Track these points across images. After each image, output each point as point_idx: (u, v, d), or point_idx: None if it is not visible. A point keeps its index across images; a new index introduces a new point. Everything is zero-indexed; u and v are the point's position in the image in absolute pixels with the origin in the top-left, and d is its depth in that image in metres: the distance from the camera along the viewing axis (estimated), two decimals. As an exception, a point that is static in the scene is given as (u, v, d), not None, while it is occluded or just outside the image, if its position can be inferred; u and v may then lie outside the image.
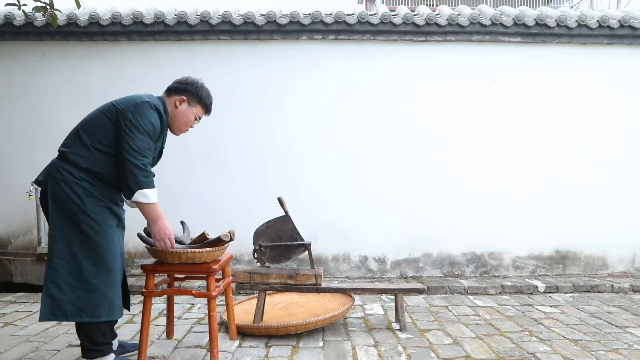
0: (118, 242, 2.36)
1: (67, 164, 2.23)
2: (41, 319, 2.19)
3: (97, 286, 2.22)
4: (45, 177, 2.26)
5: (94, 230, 2.22)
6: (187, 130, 2.58)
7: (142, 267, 2.53)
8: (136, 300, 3.87)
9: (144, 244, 2.51)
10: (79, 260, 2.20)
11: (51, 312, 2.19)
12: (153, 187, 2.26)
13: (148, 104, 2.31)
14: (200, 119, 2.58)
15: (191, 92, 2.49)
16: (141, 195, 2.21)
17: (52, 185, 2.22)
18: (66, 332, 3.06)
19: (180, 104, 2.48)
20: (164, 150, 2.58)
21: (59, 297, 2.19)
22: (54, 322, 3.27)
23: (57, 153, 2.31)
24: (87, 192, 2.23)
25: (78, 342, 2.83)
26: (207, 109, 2.59)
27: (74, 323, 3.23)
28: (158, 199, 2.30)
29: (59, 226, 2.22)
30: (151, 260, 2.59)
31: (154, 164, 2.53)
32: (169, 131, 2.57)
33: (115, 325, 3.13)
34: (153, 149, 2.32)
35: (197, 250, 2.46)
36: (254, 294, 3.78)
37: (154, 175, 2.55)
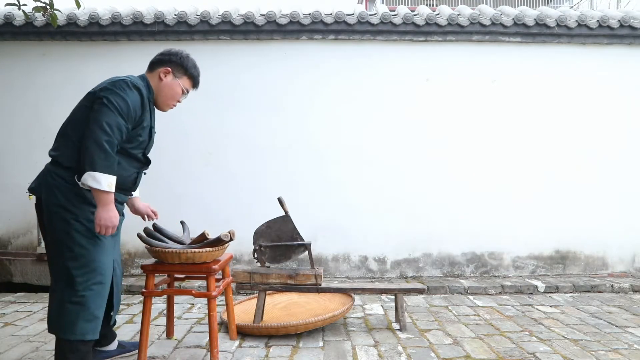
0: (112, 253, 2.21)
1: (59, 168, 2.10)
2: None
3: (84, 300, 2.05)
4: (39, 184, 2.13)
5: (86, 239, 2.07)
6: (175, 105, 2.41)
7: (142, 267, 2.53)
8: (136, 300, 3.88)
9: (144, 244, 2.50)
10: (70, 270, 2.05)
11: (48, 325, 2.13)
12: (110, 173, 1.98)
13: (124, 81, 2.11)
14: (187, 92, 2.41)
15: (176, 62, 2.33)
16: (91, 178, 1.95)
17: (45, 192, 2.09)
18: (66, 332, 3.05)
19: (165, 75, 2.31)
20: (154, 132, 2.41)
21: (51, 309, 2.10)
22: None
23: (49, 158, 2.18)
24: (81, 198, 2.08)
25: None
26: (195, 81, 2.42)
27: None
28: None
29: (52, 234, 2.10)
30: (151, 260, 2.59)
31: (147, 148, 2.36)
32: (158, 111, 2.43)
33: (115, 325, 3.14)
34: (124, 130, 2.07)
35: (197, 250, 2.46)
36: (254, 294, 3.78)
37: (145, 165, 2.34)
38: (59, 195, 2.06)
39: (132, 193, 2.48)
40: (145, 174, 2.47)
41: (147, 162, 2.39)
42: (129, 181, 2.31)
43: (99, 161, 1.95)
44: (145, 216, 2.63)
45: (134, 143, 2.23)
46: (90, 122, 2.00)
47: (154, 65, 2.35)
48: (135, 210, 2.59)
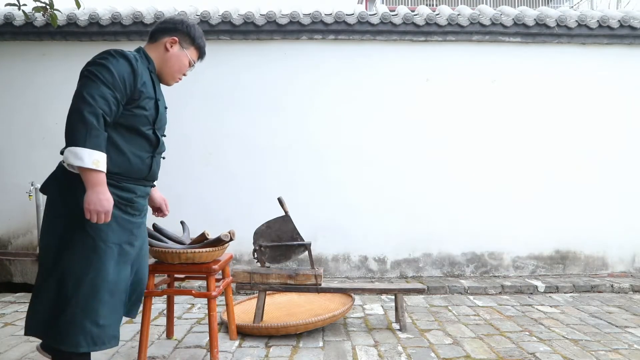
0: (119, 265, 1.94)
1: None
2: (25, 333, 1.91)
3: (75, 316, 1.83)
4: (48, 181, 1.93)
5: (91, 249, 1.84)
6: (181, 79, 2.23)
7: (142, 267, 2.52)
8: (136, 300, 3.87)
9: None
10: (65, 277, 1.83)
11: (29, 327, 1.89)
12: (95, 148, 1.73)
13: (106, 51, 1.90)
14: (194, 64, 2.23)
15: (183, 31, 2.14)
16: (72, 155, 1.71)
17: (51, 189, 1.90)
18: (66, 332, 3.05)
19: (172, 46, 2.12)
20: (165, 107, 2.18)
21: (37, 314, 1.88)
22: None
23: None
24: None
25: (78, 342, 2.85)
26: (202, 52, 2.26)
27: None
28: (105, 168, 1.78)
29: (51, 235, 1.88)
30: (151, 260, 2.59)
31: (157, 124, 2.08)
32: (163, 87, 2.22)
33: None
34: (111, 99, 1.82)
35: (197, 250, 2.46)
36: (254, 294, 3.78)
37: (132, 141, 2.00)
38: (66, 194, 1.86)
39: (154, 184, 2.22)
40: (164, 158, 2.22)
41: (158, 142, 2.10)
42: (143, 167, 2.02)
43: (79, 135, 1.70)
44: (156, 210, 2.39)
45: (139, 118, 1.98)
46: (73, 97, 1.78)
47: (157, 34, 2.14)
48: (149, 200, 2.31)
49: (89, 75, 1.81)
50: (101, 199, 1.77)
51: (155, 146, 2.08)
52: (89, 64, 1.87)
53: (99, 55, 1.89)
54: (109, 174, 1.85)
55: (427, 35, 4.68)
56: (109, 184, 1.85)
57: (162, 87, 2.24)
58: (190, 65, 2.21)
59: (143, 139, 2.01)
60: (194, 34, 2.18)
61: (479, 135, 4.75)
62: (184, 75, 2.23)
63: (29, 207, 4.52)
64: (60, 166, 1.92)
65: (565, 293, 4.25)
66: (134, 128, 1.96)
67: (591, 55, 4.77)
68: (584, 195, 4.76)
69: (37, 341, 2.90)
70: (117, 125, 1.92)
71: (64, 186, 1.87)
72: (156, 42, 2.14)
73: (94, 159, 1.72)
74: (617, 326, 3.24)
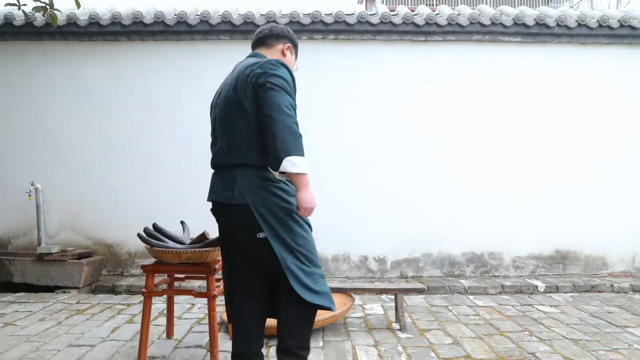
0: None
1: (253, 169, 2.02)
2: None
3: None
4: (239, 193, 2.04)
5: (305, 229, 2.04)
6: None
7: (142, 267, 2.52)
8: (136, 300, 3.88)
9: (144, 244, 2.50)
10: (299, 248, 2.01)
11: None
12: (303, 154, 1.92)
13: (269, 62, 1.97)
14: (297, 68, 2.33)
15: (290, 38, 2.24)
16: (290, 164, 1.86)
17: (250, 195, 1.98)
18: (66, 332, 3.06)
19: (287, 51, 2.23)
20: None
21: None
22: (54, 322, 3.27)
23: (231, 169, 2.14)
24: (281, 190, 2.01)
25: (78, 342, 2.85)
26: (297, 56, 2.37)
27: (73, 323, 3.25)
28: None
29: (273, 230, 1.99)
30: (151, 260, 2.59)
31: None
32: None
33: (115, 325, 3.15)
34: (296, 108, 1.99)
35: (197, 250, 2.46)
36: (254, 294, 3.77)
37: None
38: (268, 197, 1.99)
39: None
40: None
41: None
42: None
43: (292, 144, 1.89)
44: None
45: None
46: (268, 109, 1.89)
47: (271, 40, 2.21)
48: None
49: (274, 87, 1.89)
50: (312, 197, 1.96)
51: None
52: (263, 75, 1.91)
53: (267, 67, 1.93)
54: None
55: (427, 35, 4.68)
56: (283, 189, 2.02)
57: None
58: (295, 68, 2.30)
59: None
60: (296, 40, 2.30)
61: (479, 136, 4.75)
62: None
63: (29, 207, 4.52)
64: (246, 175, 2.03)
65: (565, 293, 4.25)
66: None
67: (591, 55, 4.77)
68: (584, 195, 4.76)
69: (37, 341, 2.90)
70: None
71: (265, 191, 1.99)
72: (272, 48, 2.20)
73: (305, 164, 1.93)
74: (617, 326, 3.24)
